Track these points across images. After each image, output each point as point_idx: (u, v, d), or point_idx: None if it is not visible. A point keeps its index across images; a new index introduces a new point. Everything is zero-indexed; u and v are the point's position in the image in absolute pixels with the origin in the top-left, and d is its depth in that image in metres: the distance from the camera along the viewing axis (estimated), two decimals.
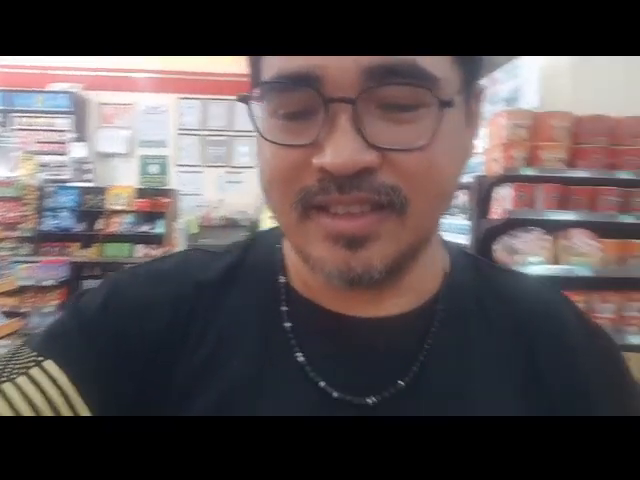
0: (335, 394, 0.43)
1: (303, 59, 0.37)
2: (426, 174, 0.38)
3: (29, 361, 0.43)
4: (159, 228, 4.22)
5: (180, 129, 6.28)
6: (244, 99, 0.41)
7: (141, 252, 4.21)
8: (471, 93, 0.43)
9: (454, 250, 0.53)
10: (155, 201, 4.32)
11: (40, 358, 0.43)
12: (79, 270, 4.18)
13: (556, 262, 2.07)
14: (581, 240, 2.06)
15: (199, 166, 6.23)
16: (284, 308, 0.47)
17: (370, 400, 0.43)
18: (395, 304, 0.46)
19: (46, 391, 0.41)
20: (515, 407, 0.44)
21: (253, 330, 0.46)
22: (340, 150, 0.36)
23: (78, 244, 4.26)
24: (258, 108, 0.41)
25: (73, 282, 4.07)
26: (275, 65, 0.38)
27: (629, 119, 2.17)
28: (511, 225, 2.13)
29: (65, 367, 0.42)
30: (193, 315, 0.46)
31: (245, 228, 5.79)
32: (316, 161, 0.37)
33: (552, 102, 2.47)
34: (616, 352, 0.51)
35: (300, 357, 0.44)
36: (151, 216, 4.32)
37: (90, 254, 4.21)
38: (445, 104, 0.37)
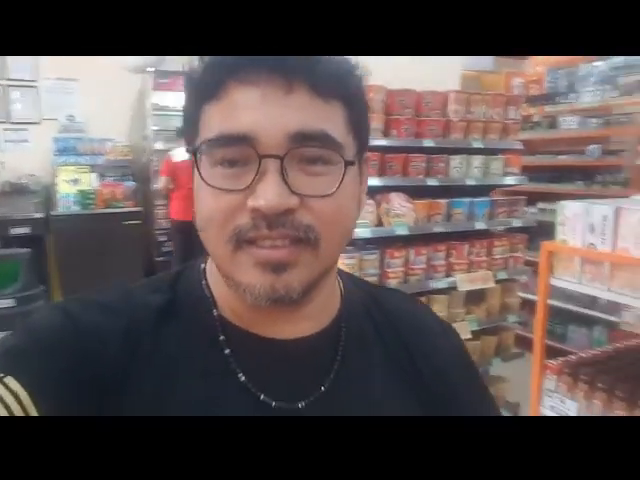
0: (273, 403, 0.54)
1: (240, 123, 0.48)
2: (334, 216, 0.51)
3: None
4: None
5: None
6: (193, 151, 0.51)
7: None
8: (362, 158, 0.57)
9: (343, 275, 0.66)
10: None
11: (1, 375, 0.47)
12: None
13: (380, 224, 2.33)
14: (398, 203, 2.35)
15: None
16: (222, 337, 0.56)
17: (300, 404, 0.55)
18: (309, 325, 0.58)
19: (9, 405, 0.45)
20: (405, 396, 0.60)
21: (197, 359, 0.55)
22: (270, 194, 0.47)
23: None
24: (201, 159, 0.51)
25: None
26: (216, 126, 0.49)
27: (427, 93, 2.49)
28: None
29: (25, 384, 0.47)
30: (141, 348, 0.53)
31: (36, 194, 5.10)
32: (251, 203, 0.48)
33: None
34: (461, 341, 0.70)
35: (242, 377, 0.54)
36: None
37: None
38: (349, 163, 0.51)
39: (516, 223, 2.73)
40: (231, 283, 0.52)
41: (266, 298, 0.50)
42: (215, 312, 0.57)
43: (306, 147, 0.49)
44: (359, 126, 0.54)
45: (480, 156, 2.61)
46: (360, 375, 0.59)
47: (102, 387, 0.50)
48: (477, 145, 2.58)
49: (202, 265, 0.61)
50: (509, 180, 2.74)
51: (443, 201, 2.51)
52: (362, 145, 0.55)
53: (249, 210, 0.48)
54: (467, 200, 2.58)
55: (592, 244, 1.76)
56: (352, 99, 0.53)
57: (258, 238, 0.49)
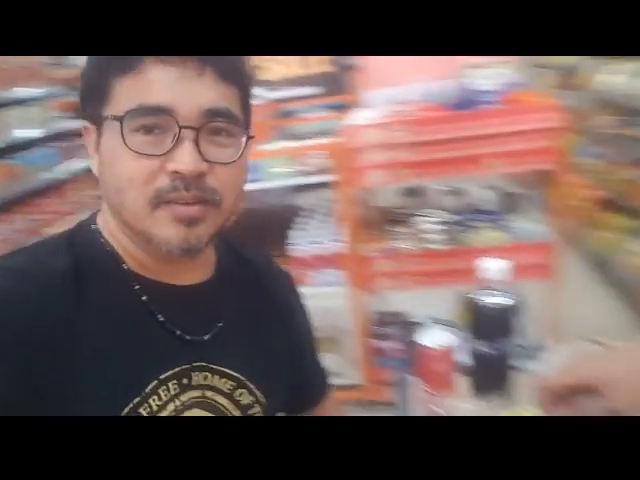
0: (188, 337, 0.64)
1: (161, 96, 0.55)
2: (234, 181, 0.62)
3: None
4: None
5: None
6: (117, 119, 0.56)
7: None
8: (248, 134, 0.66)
9: None
10: None
11: None
12: None
13: None
14: None
15: None
16: (137, 287, 0.62)
17: (206, 337, 0.66)
18: (200, 274, 0.69)
19: None
20: (278, 327, 0.75)
21: (119, 309, 0.61)
22: (187, 159, 0.56)
23: None
24: (116, 127, 0.56)
25: None
26: (135, 98, 0.56)
27: None
28: None
29: None
30: (61, 310, 0.56)
31: None
32: (173, 167, 0.56)
33: None
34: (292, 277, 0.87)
35: (161, 317, 0.63)
36: None
37: None
38: (249, 137, 0.62)
39: None
40: (143, 238, 0.60)
41: (179, 248, 0.59)
42: (125, 266, 0.63)
43: (215, 122, 0.58)
44: (248, 108, 0.65)
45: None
46: (242, 311, 0.71)
47: (23, 355, 0.52)
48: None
49: (92, 226, 0.65)
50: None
51: None
52: (249, 124, 0.65)
53: (169, 173, 0.56)
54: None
55: None
56: (245, 86, 0.63)
57: (176, 198, 0.57)
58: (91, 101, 0.59)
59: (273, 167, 2.05)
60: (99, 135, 0.60)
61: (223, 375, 0.65)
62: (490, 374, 0.81)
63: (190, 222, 0.58)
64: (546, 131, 1.65)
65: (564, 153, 1.71)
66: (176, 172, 0.56)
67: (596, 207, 3.16)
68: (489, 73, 1.87)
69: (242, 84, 0.63)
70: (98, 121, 0.59)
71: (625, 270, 2.68)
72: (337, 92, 3.70)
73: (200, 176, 0.57)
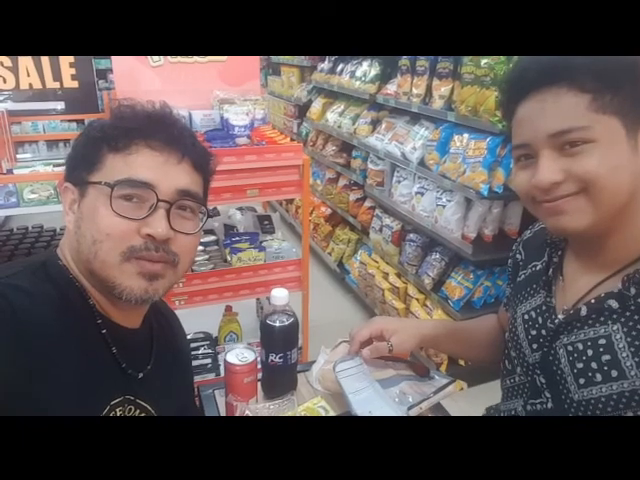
0: (129, 371, 0.77)
1: (148, 175, 0.70)
2: (191, 248, 0.77)
3: None
4: None
5: None
6: (109, 186, 0.69)
7: None
8: (206, 212, 0.81)
9: None
10: None
11: None
12: None
13: None
14: None
15: None
16: (99, 321, 0.74)
17: (141, 374, 0.79)
18: (138, 321, 0.82)
19: None
20: (181, 361, 0.94)
21: (86, 337, 0.71)
22: (160, 227, 0.70)
23: None
24: (103, 192, 0.69)
25: None
26: (125, 171, 0.70)
27: None
28: None
29: None
30: (52, 330, 0.66)
31: None
32: (148, 230, 0.70)
33: None
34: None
35: (114, 350, 0.75)
36: None
37: None
38: (208, 216, 0.79)
39: None
40: (107, 285, 0.71)
41: (139, 299, 0.71)
42: (92, 302, 0.73)
43: (185, 200, 0.74)
44: (207, 192, 0.82)
45: None
46: (163, 354, 0.86)
47: (29, 365, 0.61)
48: None
49: (59, 262, 0.74)
50: None
51: None
52: (206, 204, 0.81)
53: (143, 235, 0.69)
54: None
55: None
56: (209, 175, 0.82)
57: (145, 256, 0.70)
58: (80, 168, 0.72)
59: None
60: (81, 195, 0.72)
61: (143, 410, 0.77)
62: (281, 379, 1.02)
63: (152, 277, 0.72)
64: (294, 167, 1.97)
65: (306, 183, 2.05)
66: (149, 235, 0.70)
67: (328, 223, 3.74)
68: (239, 109, 2.10)
69: (207, 174, 0.81)
70: (81, 184, 0.72)
71: (353, 274, 3.26)
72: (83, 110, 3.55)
73: (167, 241, 0.72)
